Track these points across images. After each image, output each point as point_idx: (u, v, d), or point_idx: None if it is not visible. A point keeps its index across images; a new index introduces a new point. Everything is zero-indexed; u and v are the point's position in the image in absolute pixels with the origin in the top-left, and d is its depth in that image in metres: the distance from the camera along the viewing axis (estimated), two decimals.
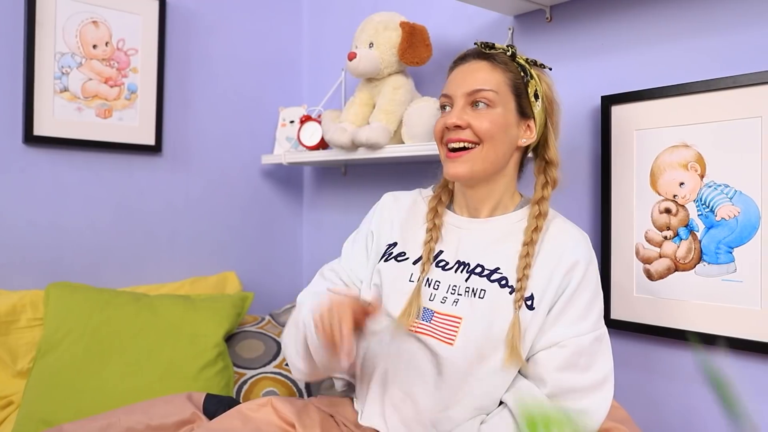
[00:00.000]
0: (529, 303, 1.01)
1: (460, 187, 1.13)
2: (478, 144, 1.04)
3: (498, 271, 1.05)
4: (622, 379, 1.34)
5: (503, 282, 1.04)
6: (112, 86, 1.78)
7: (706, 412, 1.23)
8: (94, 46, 1.74)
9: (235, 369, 1.58)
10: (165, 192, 1.92)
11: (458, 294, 1.05)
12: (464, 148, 1.05)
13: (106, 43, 1.76)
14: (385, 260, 1.14)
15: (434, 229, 1.12)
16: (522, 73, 1.07)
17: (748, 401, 1.17)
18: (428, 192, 1.21)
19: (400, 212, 1.18)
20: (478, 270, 1.06)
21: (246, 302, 1.71)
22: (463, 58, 1.11)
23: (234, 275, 1.98)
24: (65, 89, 1.70)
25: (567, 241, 1.06)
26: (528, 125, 1.09)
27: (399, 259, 1.13)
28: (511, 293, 1.02)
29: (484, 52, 1.09)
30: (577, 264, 1.03)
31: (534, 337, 1.01)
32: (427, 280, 1.08)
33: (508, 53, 1.09)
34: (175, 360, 1.47)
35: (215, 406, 1.22)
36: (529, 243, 1.04)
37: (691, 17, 1.24)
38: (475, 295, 1.04)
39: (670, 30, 1.27)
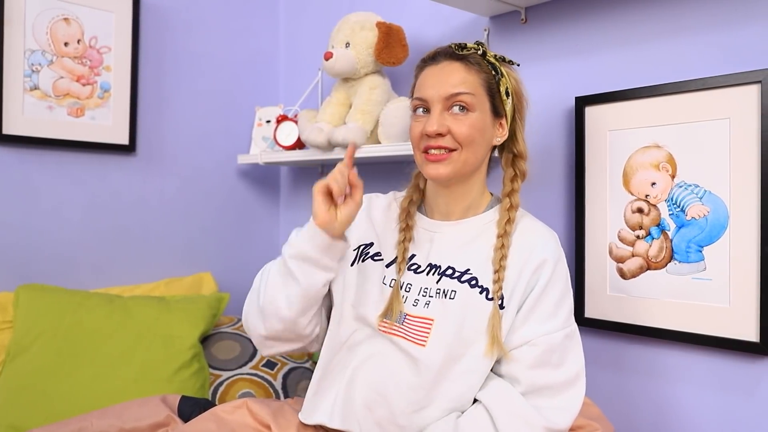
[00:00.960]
0: (499, 302, 1.02)
1: (434, 189, 1.13)
2: (456, 149, 1.04)
3: (468, 272, 1.05)
4: (595, 377, 1.36)
5: (473, 282, 1.04)
6: (84, 85, 1.75)
7: (679, 409, 1.26)
8: (66, 44, 1.71)
9: (211, 370, 1.56)
10: (139, 192, 1.90)
11: (429, 296, 1.06)
12: (441, 155, 1.05)
13: (78, 41, 1.74)
14: (362, 260, 1.14)
15: (407, 229, 1.12)
16: (494, 72, 1.07)
17: (717, 397, 1.20)
18: (402, 194, 1.20)
19: (377, 214, 1.19)
20: (449, 272, 1.07)
21: (222, 303, 1.70)
22: (433, 58, 1.09)
23: (210, 276, 1.96)
24: (35, 87, 1.67)
25: (535, 240, 1.06)
26: (501, 123, 1.10)
27: (375, 258, 1.14)
28: (481, 293, 1.03)
29: (457, 53, 1.07)
30: (545, 262, 1.03)
31: (505, 335, 1.01)
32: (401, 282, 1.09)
33: (479, 52, 1.08)
34: (150, 362, 1.45)
35: (190, 408, 1.21)
36: (503, 235, 1.05)
37: (662, 21, 1.26)
38: (446, 296, 1.04)
39: (642, 32, 1.29)
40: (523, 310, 1.02)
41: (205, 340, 1.63)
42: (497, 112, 1.08)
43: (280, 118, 1.88)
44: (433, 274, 1.08)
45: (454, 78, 1.05)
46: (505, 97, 1.08)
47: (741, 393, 1.17)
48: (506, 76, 1.09)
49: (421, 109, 1.07)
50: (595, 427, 1.08)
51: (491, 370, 1.03)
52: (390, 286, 1.09)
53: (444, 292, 1.05)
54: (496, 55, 1.10)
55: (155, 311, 1.55)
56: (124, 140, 1.82)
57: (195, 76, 2.02)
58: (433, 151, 1.04)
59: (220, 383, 1.55)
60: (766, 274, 1.11)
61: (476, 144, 1.05)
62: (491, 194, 1.16)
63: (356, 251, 1.15)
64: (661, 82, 1.25)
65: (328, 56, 1.57)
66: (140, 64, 1.87)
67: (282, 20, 2.25)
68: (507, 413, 0.97)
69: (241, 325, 1.74)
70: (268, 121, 2.01)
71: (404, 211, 1.14)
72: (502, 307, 1.02)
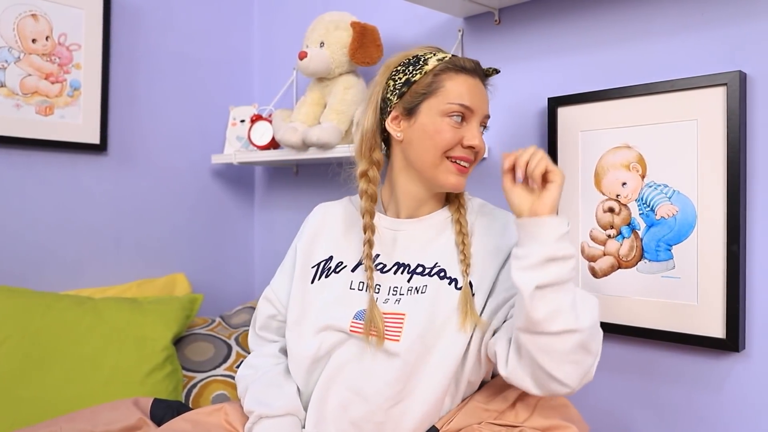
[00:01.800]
0: (470, 289, 1.04)
1: (413, 190, 1.13)
2: (473, 161, 1.10)
3: (437, 265, 1.08)
4: None
5: (442, 274, 1.06)
6: (53, 82, 1.71)
7: (648, 405, 1.28)
8: (34, 41, 1.68)
9: (185, 372, 1.55)
10: (111, 192, 1.87)
11: (400, 294, 1.07)
12: (466, 167, 1.09)
13: (47, 38, 1.70)
14: (326, 276, 1.14)
15: (370, 228, 1.11)
16: None
17: (686, 392, 1.22)
18: (357, 198, 1.19)
19: (334, 222, 1.20)
20: (419, 269, 1.08)
21: (195, 304, 1.68)
22: (471, 70, 1.08)
23: (183, 277, 1.94)
24: (2, 85, 1.63)
25: (498, 228, 1.11)
26: None
27: (338, 270, 1.14)
28: (450, 284, 1.05)
29: (488, 76, 1.12)
30: (510, 248, 1.04)
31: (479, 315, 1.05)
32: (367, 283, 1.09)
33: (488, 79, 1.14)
34: (121, 365, 1.43)
35: (163, 410, 1.19)
36: (460, 219, 1.10)
37: (632, 24, 1.28)
38: (417, 291, 1.06)
39: (613, 35, 1.31)
40: (496, 292, 1.06)
41: (178, 341, 1.61)
42: None
43: (254, 118, 1.87)
44: (403, 273, 1.09)
45: (487, 98, 1.11)
46: None
47: (708, 388, 1.20)
48: None
49: (458, 116, 1.06)
50: (574, 430, 1.08)
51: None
52: (359, 289, 1.10)
53: (416, 288, 1.07)
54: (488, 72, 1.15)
55: (127, 313, 1.53)
56: (95, 139, 1.79)
57: (168, 74, 1.99)
58: (463, 163, 1.08)
59: (194, 385, 1.53)
60: (731, 272, 1.13)
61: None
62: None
63: (315, 268, 1.16)
64: (631, 83, 1.27)
65: (302, 56, 1.56)
66: (111, 62, 1.84)
67: (256, 19, 2.23)
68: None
69: (215, 326, 1.73)
70: (243, 121, 2.00)
71: (368, 213, 1.12)
72: (472, 294, 1.05)
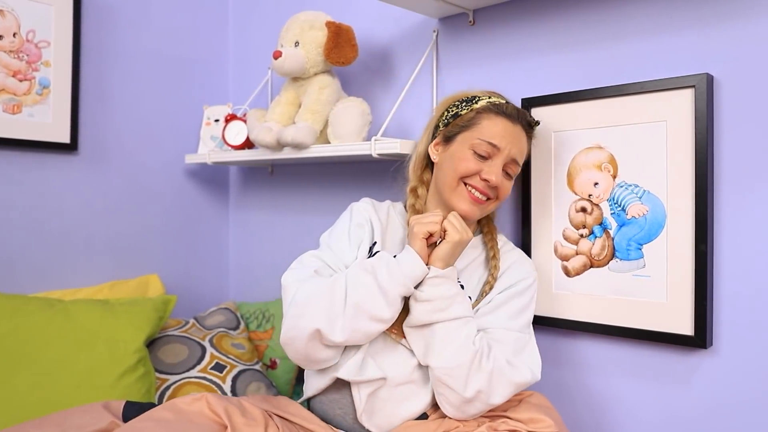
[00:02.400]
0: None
1: (436, 208, 1.25)
2: (492, 199, 1.20)
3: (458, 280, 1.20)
4: (544, 373, 1.39)
5: (462, 287, 1.22)
6: (21, 80, 1.68)
7: (620, 402, 1.30)
8: (0, 37, 1.64)
9: (158, 375, 1.53)
10: (82, 192, 1.83)
11: None
12: (483, 200, 1.20)
13: (14, 34, 1.67)
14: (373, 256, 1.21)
15: None
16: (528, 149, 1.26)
17: (655, 388, 1.24)
18: (399, 205, 1.34)
19: (379, 217, 1.28)
20: None
21: (169, 305, 1.66)
22: (510, 114, 1.19)
23: (156, 278, 1.91)
24: None
25: (516, 266, 1.25)
26: None
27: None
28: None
29: (531, 125, 1.24)
30: (524, 279, 1.22)
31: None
32: None
33: (534, 130, 1.25)
34: (92, 367, 1.41)
35: (135, 413, 1.17)
36: (493, 261, 1.24)
37: (604, 26, 1.30)
38: None
39: (585, 37, 1.33)
40: (494, 302, 1.19)
41: (151, 343, 1.59)
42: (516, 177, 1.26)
43: (228, 117, 1.85)
44: None
45: (521, 146, 1.21)
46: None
47: (677, 384, 1.22)
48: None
49: (483, 153, 1.17)
50: (548, 423, 1.10)
51: None
52: None
53: None
54: (536, 130, 1.27)
55: (98, 315, 1.50)
56: (65, 138, 1.76)
57: (141, 73, 1.97)
58: (478, 194, 1.19)
59: (167, 387, 1.51)
60: (700, 271, 1.15)
61: (503, 201, 1.23)
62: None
63: (369, 249, 1.25)
64: (602, 85, 1.29)
65: (277, 55, 1.55)
66: (82, 59, 1.81)
67: (231, 18, 2.21)
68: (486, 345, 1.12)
69: (189, 328, 1.71)
70: (217, 120, 1.98)
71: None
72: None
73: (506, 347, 1.14)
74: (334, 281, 1.13)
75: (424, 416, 1.17)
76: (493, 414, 1.14)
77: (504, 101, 1.22)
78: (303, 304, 1.11)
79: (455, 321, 1.11)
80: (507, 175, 1.21)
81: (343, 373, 1.14)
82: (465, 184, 1.19)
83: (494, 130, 1.18)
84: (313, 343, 1.11)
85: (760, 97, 1.12)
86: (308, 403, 1.27)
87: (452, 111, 1.24)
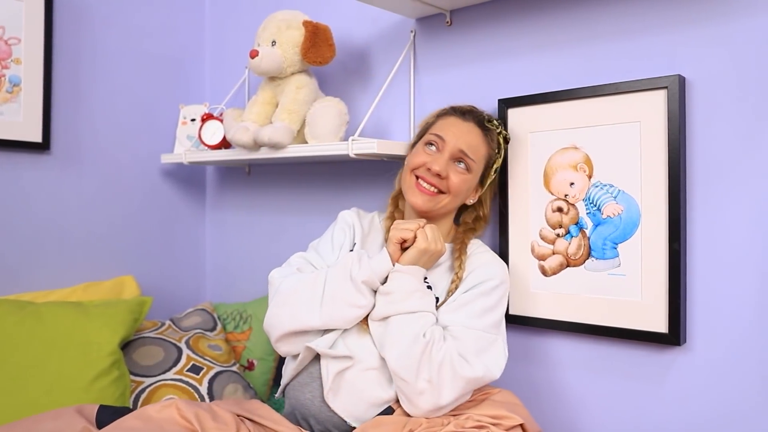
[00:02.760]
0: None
1: (408, 213, 1.35)
2: (444, 193, 1.26)
3: (426, 280, 1.26)
4: (520, 372, 1.40)
5: (429, 287, 1.26)
6: None
7: (597, 399, 1.31)
8: None
9: (133, 377, 1.51)
10: (54, 192, 1.80)
11: None
12: (431, 191, 1.26)
13: None
14: None
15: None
16: (496, 151, 1.31)
17: (631, 385, 1.26)
18: (384, 215, 1.41)
19: (362, 224, 1.39)
20: None
21: (144, 307, 1.63)
22: (463, 114, 1.29)
23: (132, 279, 1.89)
24: None
25: (486, 267, 1.27)
26: (477, 189, 1.33)
27: None
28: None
29: (485, 123, 1.29)
30: (491, 279, 1.24)
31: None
32: None
33: (497, 131, 1.31)
34: (64, 371, 1.38)
35: (109, 417, 1.16)
36: (457, 273, 1.26)
37: (579, 27, 1.31)
38: None
39: (561, 38, 1.34)
40: (457, 301, 1.21)
41: (126, 345, 1.57)
42: (482, 181, 1.33)
43: (205, 117, 1.83)
44: None
45: (471, 139, 1.27)
46: (492, 173, 1.32)
47: (651, 381, 1.24)
48: (501, 156, 1.33)
49: (433, 146, 1.27)
50: (517, 420, 1.11)
51: None
52: None
53: None
54: (505, 136, 1.33)
55: (71, 317, 1.47)
56: (37, 138, 1.73)
57: (116, 71, 1.94)
58: (425, 184, 1.26)
59: (143, 390, 1.49)
60: (673, 269, 1.17)
61: (458, 197, 1.29)
62: (456, 226, 1.38)
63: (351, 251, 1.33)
64: (578, 86, 1.30)
65: (253, 54, 1.54)
66: (54, 57, 1.78)
67: (208, 16, 2.19)
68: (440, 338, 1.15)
69: (165, 329, 1.69)
70: (193, 120, 1.96)
71: (388, 230, 1.30)
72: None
73: (462, 344, 1.15)
74: (316, 275, 1.25)
75: (389, 410, 1.18)
76: (458, 412, 1.15)
77: (468, 107, 1.32)
78: (286, 294, 1.24)
79: (411, 314, 1.16)
80: (461, 169, 1.26)
81: (314, 344, 1.20)
82: (417, 178, 1.27)
83: (443, 124, 1.29)
84: (293, 327, 1.22)
85: (730, 98, 1.13)
86: (284, 394, 1.31)
87: (427, 122, 1.35)
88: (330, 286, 1.21)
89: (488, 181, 1.33)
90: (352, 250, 1.32)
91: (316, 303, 1.21)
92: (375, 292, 1.22)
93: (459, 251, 1.29)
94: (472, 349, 1.15)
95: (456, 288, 1.24)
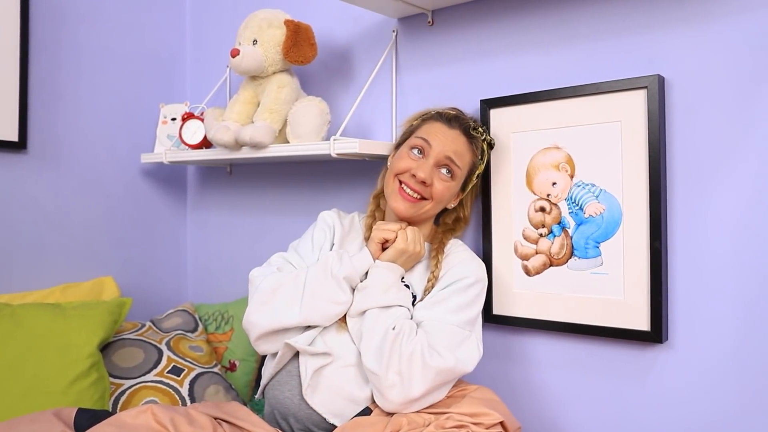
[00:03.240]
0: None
1: (389, 214, 1.34)
2: (427, 200, 1.27)
3: (403, 279, 1.27)
4: (504, 371, 1.40)
5: (407, 286, 1.27)
6: None
7: (580, 397, 1.32)
8: None
9: (112, 379, 1.48)
10: (31, 192, 1.77)
11: None
12: (414, 198, 1.26)
13: None
14: None
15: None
16: (479, 157, 1.32)
17: (613, 383, 1.27)
18: (363, 215, 1.43)
19: (342, 224, 1.39)
20: None
21: (124, 308, 1.61)
22: (449, 120, 1.29)
23: (111, 280, 1.86)
24: None
25: (461, 266, 1.27)
26: (458, 194, 1.34)
27: None
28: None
29: (470, 131, 1.29)
30: (466, 277, 1.24)
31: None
32: None
33: (482, 138, 1.31)
34: (42, 374, 1.36)
35: (88, 421, 1.14)
36: (434, 272, 1.27)
37: (560, 28, 1.32)
38: None
39: (542, 38, 1.34)
40: (433, 298, 1.23)
41: (105, 347, 1.55)
42: (464, 187, 1.33)
43: (185, 116, 1.81)
44: None
45: (457, 147, 1.27)
46: (474, 179, 1.33)
47: (634, 379, 1.25)
48: (484, 163, 1.33)
49: (418, 150, 1.27)
50: (497, 417, 1.11)
51: None
52: None
53: None
54: (490, 142, 1.33)
55: (48, 319, 1.45)
56: (13, 137, 1.70)
57: (95, 69, 1.91)
58: (409, 191, 1.26)
59: (122, 392, 1.47)
60: (655, 267, 1.18)
61: (441, 203, 1.30)
62: (436, 227, 1.39)
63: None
64: (559, 86, 1.30)
65: (234, 53, 1.52)
66: (31, 54, 1.75)
67: (189, 14, 2.17)
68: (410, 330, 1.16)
69: (145, 331, 1.67)
70: (174, 119, 1.94)
71: (369, 228, 1.35)
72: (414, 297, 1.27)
73: (434, 337, 1.16)
74: (296, 273, 1.27)
75: (367, 411, 1.18)
76: (437, 411, 1.15)
77: (454, 113, 1.31)
78: (266, 292, 1.25)
79: (386, 309, 1.19)
80: (445, 176, 1.26)
81: (293, 341, 1.22)
82: (401, 183, 1.27)
83: (429, 130, 1.28)
84: (273, 326, 1.23)
85: (709, 97, 1.15)
86: (263, 394, 1.32)
87: (412, 124, 1.35)
88: (310, 284, 1.23)
89: (470, 186, 1.34)
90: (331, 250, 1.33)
91: (296, 300, 1.22)
92: (354, 290, 1.24)
93: (436, 251, 1.30)
94: (445, 342, 1.16)
95: (432, 286, 1.25)
